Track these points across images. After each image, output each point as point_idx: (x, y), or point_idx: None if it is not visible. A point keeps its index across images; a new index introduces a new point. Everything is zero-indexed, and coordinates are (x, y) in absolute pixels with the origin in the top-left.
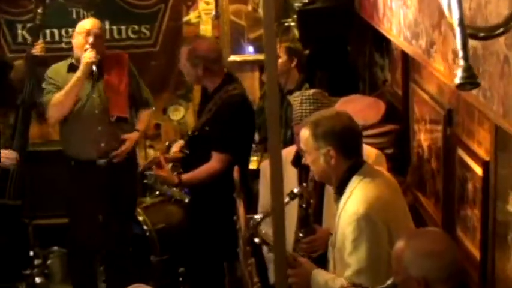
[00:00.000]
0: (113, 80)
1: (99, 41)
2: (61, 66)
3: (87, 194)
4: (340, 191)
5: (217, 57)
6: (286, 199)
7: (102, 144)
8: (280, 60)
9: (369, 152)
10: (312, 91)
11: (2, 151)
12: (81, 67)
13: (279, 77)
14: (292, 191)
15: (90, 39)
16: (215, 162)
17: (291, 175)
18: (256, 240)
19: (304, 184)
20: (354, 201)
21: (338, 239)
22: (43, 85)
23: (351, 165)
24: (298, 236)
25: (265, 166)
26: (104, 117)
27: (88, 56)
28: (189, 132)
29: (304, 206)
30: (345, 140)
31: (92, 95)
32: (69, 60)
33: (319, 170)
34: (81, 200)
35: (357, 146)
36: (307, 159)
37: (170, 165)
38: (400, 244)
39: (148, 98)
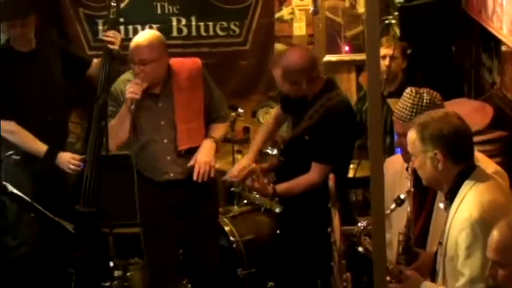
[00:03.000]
0: (185, 98)
1: (148, 69)
2: (127, 79)
3: (161, 209)
4: (451, 198)
5: (314, 64)
6: (393, 205)
7: (172, 174)
8: (390, 62)
9: (487, 166)
10: (425, 89)
11: (70, 155)
12: (125, 102)
13: (386, 79)
14: (398, 197)
15: (136, 68)
16: (315, 174)
17: (405, 182)
18: (360, 249)
19: (412, 189)
20: (466, 206)
21: (449, 248)
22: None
23: (462, 170)
24: (400, 260)
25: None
26: (174, 146)
27: (129, 89)
28: (284, 140)
29: (405, 238)
30: (453, 144)
31: (160, 121)
32: (128, 75)
33: (426, 175)
34: (155, 216)
35: (467, 150)
36: (414, 163)
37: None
38: (504, 232)
39: (224, 113)
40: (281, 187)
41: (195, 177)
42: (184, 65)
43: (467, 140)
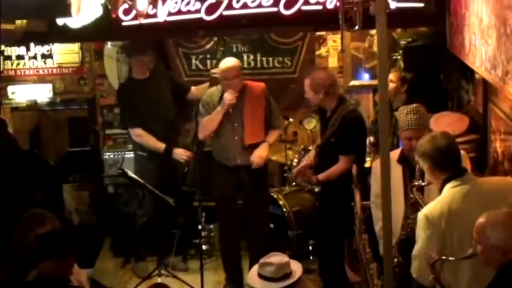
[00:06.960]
0: (252, 109)
1: (235, 81)
2: (215, 92)
3: (228, 186)
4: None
5: (333, 83)
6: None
7: (239, 161)
8: (393, 85)
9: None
10: (414, 105)
11: (182, 150)
12: (222, 105)
13: (389, 96)
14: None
15: (228, 82)
16: (344, 163)
17: (396, 170)
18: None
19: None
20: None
21: None
22: (200, 106)
23: (448, 176)
24: (407, 217)
25: (376, 165)
26: (241, 143)
27: (228, 98)
28: (317, 145)
29: (412, 196)
30: (436, 159)
31: (234, 123)
32: (215, 90)
33: (431, 182)
34: (224, 191)
35: (449, 162)
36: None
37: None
38: (481, 221)
39: (278, 123)
40: (321, 176)
41: (253, 166)
42: (255, 85)
43: (447, 154)
